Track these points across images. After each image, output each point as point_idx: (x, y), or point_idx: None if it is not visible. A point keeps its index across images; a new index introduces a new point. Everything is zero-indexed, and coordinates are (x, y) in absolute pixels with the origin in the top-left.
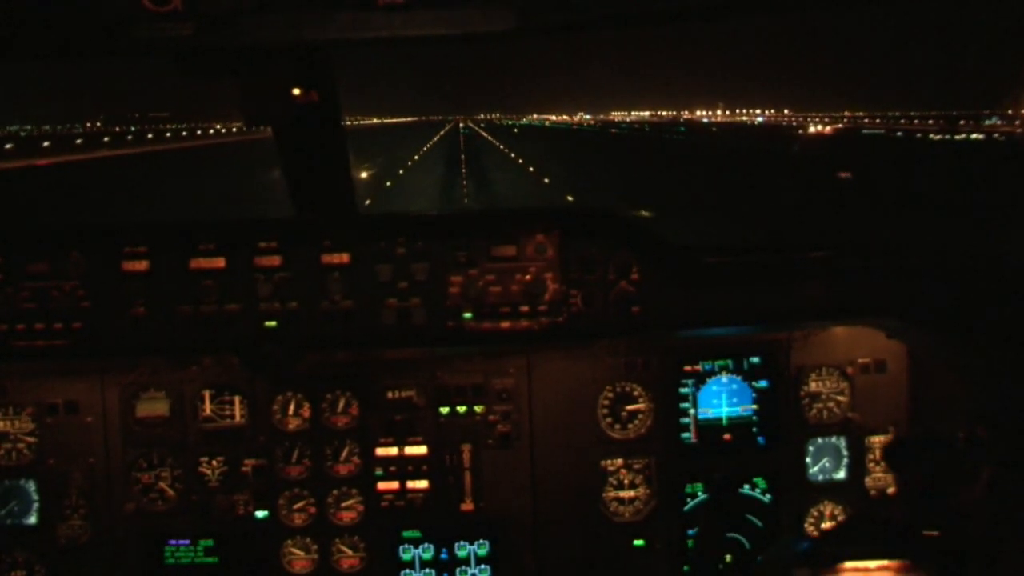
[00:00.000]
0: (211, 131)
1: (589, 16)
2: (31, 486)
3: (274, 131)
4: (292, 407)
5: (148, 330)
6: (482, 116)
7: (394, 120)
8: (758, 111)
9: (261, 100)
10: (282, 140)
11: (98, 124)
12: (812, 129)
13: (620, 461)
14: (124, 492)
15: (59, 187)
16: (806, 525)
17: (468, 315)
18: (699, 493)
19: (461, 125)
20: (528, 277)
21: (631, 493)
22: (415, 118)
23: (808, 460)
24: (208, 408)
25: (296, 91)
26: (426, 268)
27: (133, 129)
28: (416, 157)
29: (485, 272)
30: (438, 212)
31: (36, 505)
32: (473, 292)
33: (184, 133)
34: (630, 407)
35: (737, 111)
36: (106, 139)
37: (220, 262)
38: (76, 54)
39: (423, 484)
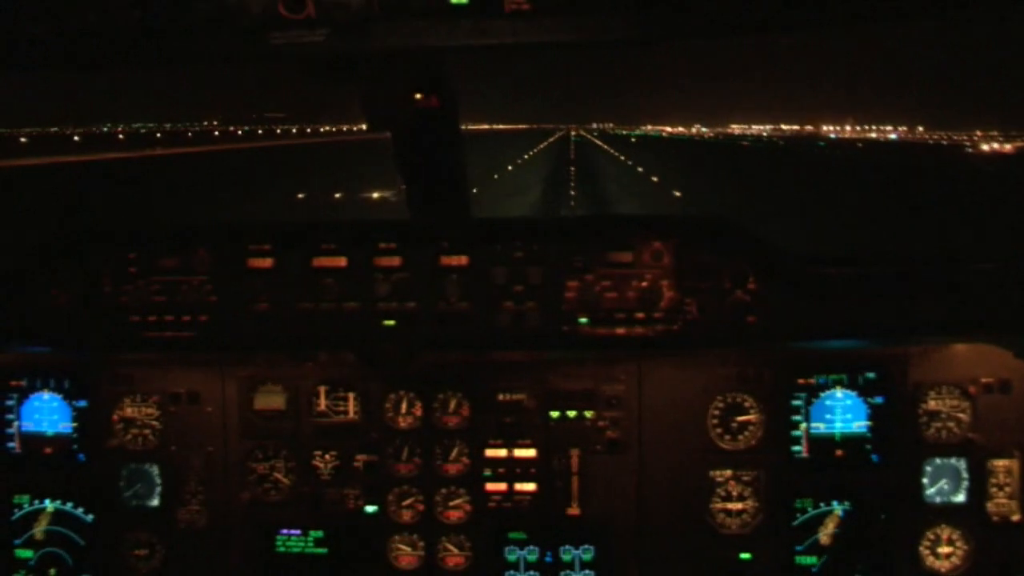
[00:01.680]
0: (323, 131)
1: (715, 25)
2: (155, 470)
3: (393, 135)
4: (404, 405)
5: (270, 325)
6: (595, 125)
7: (503, 127)
8: (890, 128)
9: (384, 104)
10: (401, 144)
11: (215, 123)
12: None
13: (729, 472)
14: (240, 481)
15: (185, 180)
16: (921, 548)
17: (583, 320)
18: (809, 508)
19: (573, 134)
20: (644, 284)
21: (739, 505)
22: (526, 125)
23: (925, 481)
24: (323, 403)
25: (418, 96)
26: (542, 272)
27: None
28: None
29: (601, 277)
30: (556, 216)
31: (159, 489)
32: (588, 297)
33: (308, 131)
34: (741, 418)
35: (868, 127)
36: (239, 134)
37: (342, 261)
38: (216, 60)
39: (531, 487)
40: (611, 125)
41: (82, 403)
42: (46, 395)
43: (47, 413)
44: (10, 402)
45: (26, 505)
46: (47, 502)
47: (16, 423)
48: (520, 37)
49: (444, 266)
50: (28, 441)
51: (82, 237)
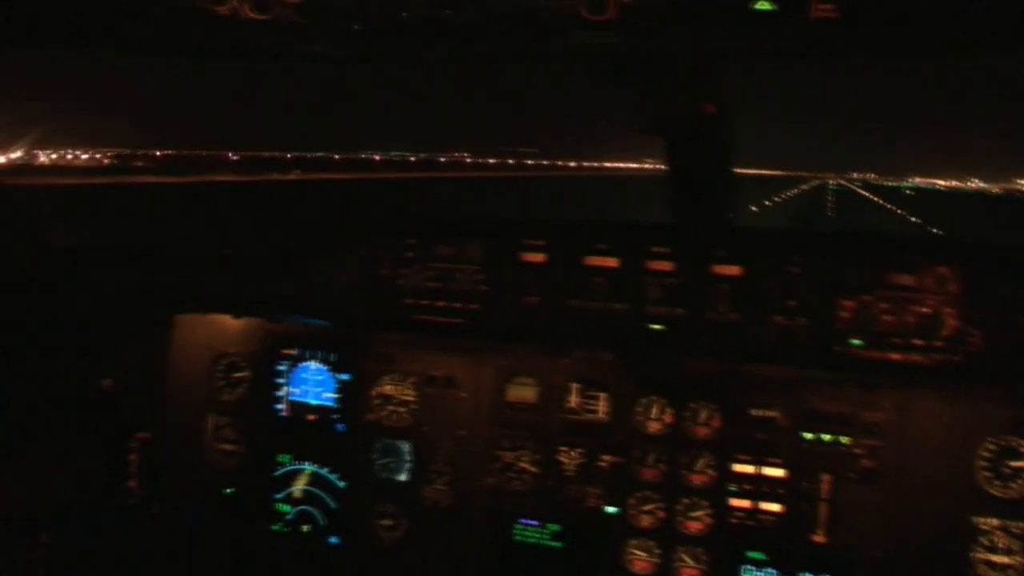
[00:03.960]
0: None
1: None
2: (405, 447)
3: (667, 140)
4: (655, 411)
5: (537, 319)
6: (855, 175)
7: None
8: None
9: (665, 107)
10: (675, 149)
11: (466, 154)
12: None
13: (996, 521)
14: (485, 467)
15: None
16: None
17: (856, 341)
18: None
19: (831, 183)
20: (925, 309)
21: (1006, 559)
22: (779, 172)
23: None
24: (574, 400)
25: (700, 100)
26: (817, 288)
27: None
28: None
29: (879, 299)
30: (836, 230)
31: (408, 465)
32: (864, 319)
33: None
34: (1015, 463)
35: None
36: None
37: (613, 262)
38: (510, 58)
39: (776, 507)
40: (872, 176)
41: (345, 376)
42: (313, 366)
43: (313, 384)
44: (282, 368)
45: (288, 464)
46: (307, 464)
47: (286, 389)
48: (824, 46)
49: (716, 274)
50: (294, 407)
51: (366, 222)
